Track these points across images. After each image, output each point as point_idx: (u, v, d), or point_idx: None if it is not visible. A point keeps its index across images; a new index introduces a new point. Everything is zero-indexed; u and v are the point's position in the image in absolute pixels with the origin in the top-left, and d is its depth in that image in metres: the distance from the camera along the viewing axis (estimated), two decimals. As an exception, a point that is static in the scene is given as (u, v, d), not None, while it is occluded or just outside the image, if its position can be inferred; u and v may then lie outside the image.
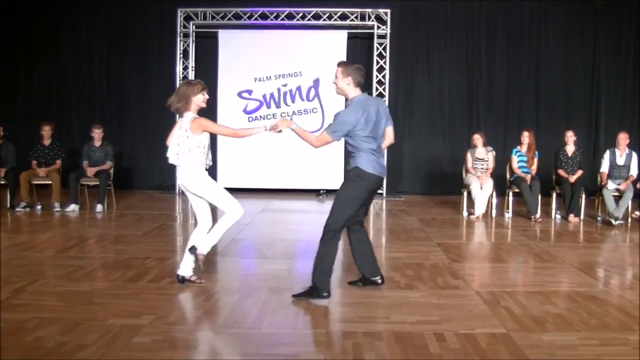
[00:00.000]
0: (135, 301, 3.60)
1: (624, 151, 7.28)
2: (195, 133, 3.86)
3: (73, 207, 7.34)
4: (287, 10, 9.56)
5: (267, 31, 9.76)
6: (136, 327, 3.10)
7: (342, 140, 3.80)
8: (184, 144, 3.89)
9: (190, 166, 3.90)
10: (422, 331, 3.12)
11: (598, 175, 7.47)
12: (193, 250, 3.94)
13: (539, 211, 7.20)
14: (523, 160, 7.54)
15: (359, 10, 9.53)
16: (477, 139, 7.66)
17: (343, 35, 9.57)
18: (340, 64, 3.81)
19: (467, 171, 7.67)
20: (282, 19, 9.62)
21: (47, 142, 7.73)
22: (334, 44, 9.52)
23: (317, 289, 3.72)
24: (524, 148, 7.56)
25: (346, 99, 3.90)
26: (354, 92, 3.79)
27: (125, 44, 10.00)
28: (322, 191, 9.54)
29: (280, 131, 3.81)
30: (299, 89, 9.67)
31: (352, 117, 3.67)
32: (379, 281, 4.04)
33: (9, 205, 7.40)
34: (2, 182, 7.52)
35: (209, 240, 3.96)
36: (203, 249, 3.94)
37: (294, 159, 9.60)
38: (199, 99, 3.94)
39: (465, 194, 7.56)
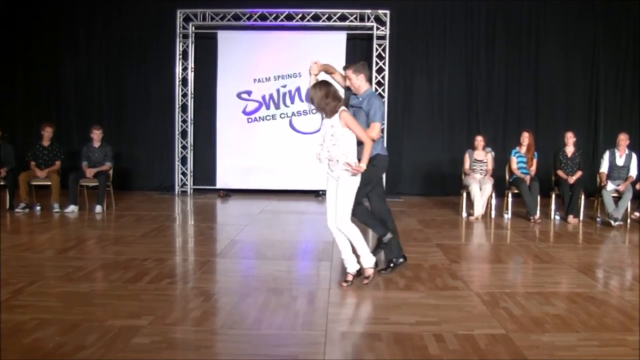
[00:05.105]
0: (134, 302, 3.60)
1: (624, 152, 7.28)
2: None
3: (72, 208, 7.34)
4: (287, 11, 9.56)
5: (267, 32, 9.77)
6: (135, 328, 3.09)
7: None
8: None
9: None
10: (421, 332, 3.12)
11: (597, 176, 7.48)
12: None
13: (538, 212, 7.20)
14: (522, 161, 7.54)
15: (358, 11, 9.53)
16: (480, 141, 7.66)
17: (342, 36, 9.58)
18: (347, 67, 4.16)
19: (465, 172, 7.67)
20: (282, 20, 9.62)
21: (46, 143, 7.73)
22: (333, 45, 9.52)
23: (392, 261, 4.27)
24: (523, 149, 7.56)
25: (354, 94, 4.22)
26: (367, 85, 4.21)
27: (124, 44, 9.99)
28: (321, 192, 9.54)
29: None
30: (298, 90, 9.67)
31: (381, 102, 4.12)
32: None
33: (8, 206, 7.39)
34: (2, 183, 7.52)
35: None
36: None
37: (294, 160, 9.61)
38: None
39: (464, 194, 7.56)
